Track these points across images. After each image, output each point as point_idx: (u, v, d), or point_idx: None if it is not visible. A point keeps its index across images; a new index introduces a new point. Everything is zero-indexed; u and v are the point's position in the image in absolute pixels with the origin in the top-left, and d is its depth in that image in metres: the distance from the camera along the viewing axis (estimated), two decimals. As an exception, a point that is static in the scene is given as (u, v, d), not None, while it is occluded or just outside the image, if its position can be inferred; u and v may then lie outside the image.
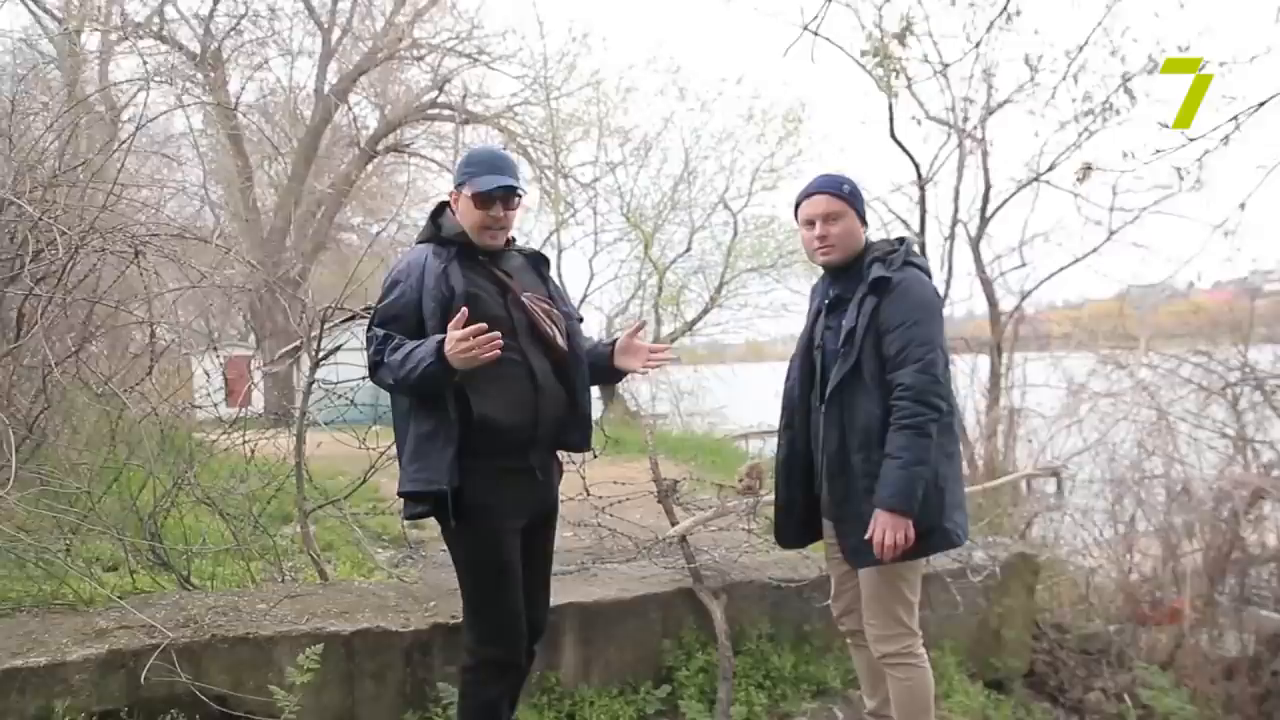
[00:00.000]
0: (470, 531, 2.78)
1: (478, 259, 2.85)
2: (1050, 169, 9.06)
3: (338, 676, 3.40)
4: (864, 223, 3.15)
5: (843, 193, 3.08)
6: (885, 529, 2.86)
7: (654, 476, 4.27)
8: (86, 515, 3.78)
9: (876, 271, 2.98)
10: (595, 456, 3.50)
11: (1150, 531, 5.44)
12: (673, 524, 4.21)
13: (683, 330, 18.71)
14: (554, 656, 3.79)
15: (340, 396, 4.21)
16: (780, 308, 18.61)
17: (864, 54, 6.82)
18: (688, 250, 18.59)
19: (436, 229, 2.87)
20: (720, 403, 18.35)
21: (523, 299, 2.84)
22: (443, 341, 2.52)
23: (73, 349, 4.03)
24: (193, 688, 3.11)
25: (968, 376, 8.23)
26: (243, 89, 18.99)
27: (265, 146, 19.95)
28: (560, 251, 18.67)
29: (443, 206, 2.95)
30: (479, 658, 2.86)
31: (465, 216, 2.87)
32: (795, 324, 19.66)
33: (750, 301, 18.91)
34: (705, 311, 18.68)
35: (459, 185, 2.88)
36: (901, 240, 3.14)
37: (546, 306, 2.89)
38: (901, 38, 6.55)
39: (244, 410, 4.31)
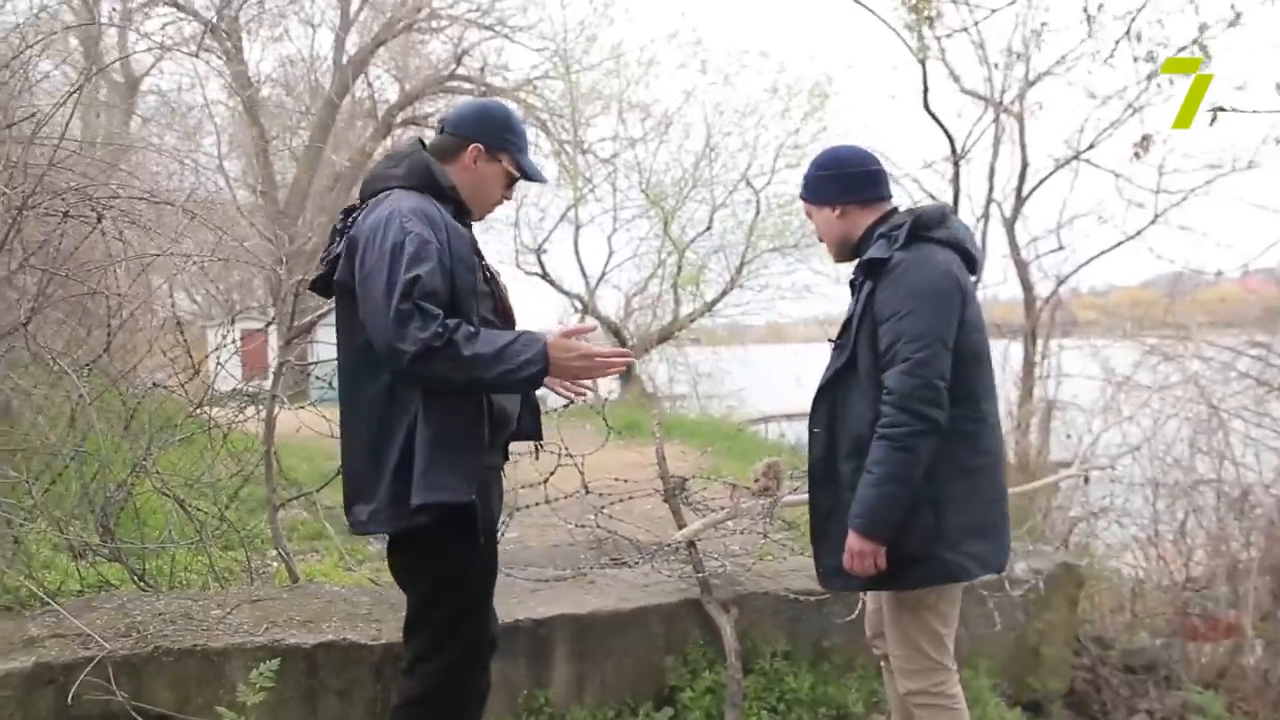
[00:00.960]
0: (466, 545, 2.36)
1: (463, 223, 2.42)
2: (1091, 147, 8.57)
3: (298, 694, 3.03)
4: (843, 202, 2.72)
5: (800, 193, 2.80)
6: (849, 552, 2.50)
7: (660, 473, 3.84)
8: (32, 506, 3.41)
9: (873, 251, 2.58)
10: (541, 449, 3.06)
11: (1203, 539, 4.97)
12: (679, 526, 3.79)
13: (702, 310, 18.20)
14: (544, 673, 3.40)
15: (318, 378, 3.83)
16: (803, 289, 18.09)
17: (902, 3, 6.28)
18: (708, 229, 18.01)
19: (433, 177, 2.37)
20: (739, 386, 17.88)
21: (491, 269, 2.44)
22: (546, 343, 2.19)
23: (22, 320, 3.64)
24: (130, 707, 2.76)
25: (999, 365, 7.76)
26: (261, 59, 18.65)
27: (284, 118, 19.58)
28: (578, 228, 18.24)
29: (421, 143, 2.49)
30: (446, 688, 2.44)
31: (479, 182, 2.45)
32: (818, 306, 19.21)
33: (772, 282, 18.34)
34: (726, 292, 18.13)
35: (495, 147, 2.45)
36: (914, 211, 2.66)
37: (497, 274, 2.50)
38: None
39: (211, 390, 3.91)
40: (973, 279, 2.69)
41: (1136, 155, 5.91)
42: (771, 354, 19.85)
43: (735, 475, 8.06)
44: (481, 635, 2.48)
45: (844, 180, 2.73)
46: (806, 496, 3.80)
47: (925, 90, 7.42)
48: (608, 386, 18.00)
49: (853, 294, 2.70)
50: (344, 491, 2.39)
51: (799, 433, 14.73)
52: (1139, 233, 7.72)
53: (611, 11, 17.40)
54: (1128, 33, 5.55)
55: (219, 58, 16.91)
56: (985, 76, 7.98)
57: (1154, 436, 5.24)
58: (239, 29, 17.54)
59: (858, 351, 2.55)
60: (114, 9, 15.16)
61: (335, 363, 2.44)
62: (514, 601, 3.54)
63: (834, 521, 2.62)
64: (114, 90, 16.93)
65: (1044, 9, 8.23)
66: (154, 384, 3.88)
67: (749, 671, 3.59)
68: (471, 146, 2.43)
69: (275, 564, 4.09)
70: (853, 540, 2.47)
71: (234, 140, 18.12)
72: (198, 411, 3.87)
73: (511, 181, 2.50)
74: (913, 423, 2.38)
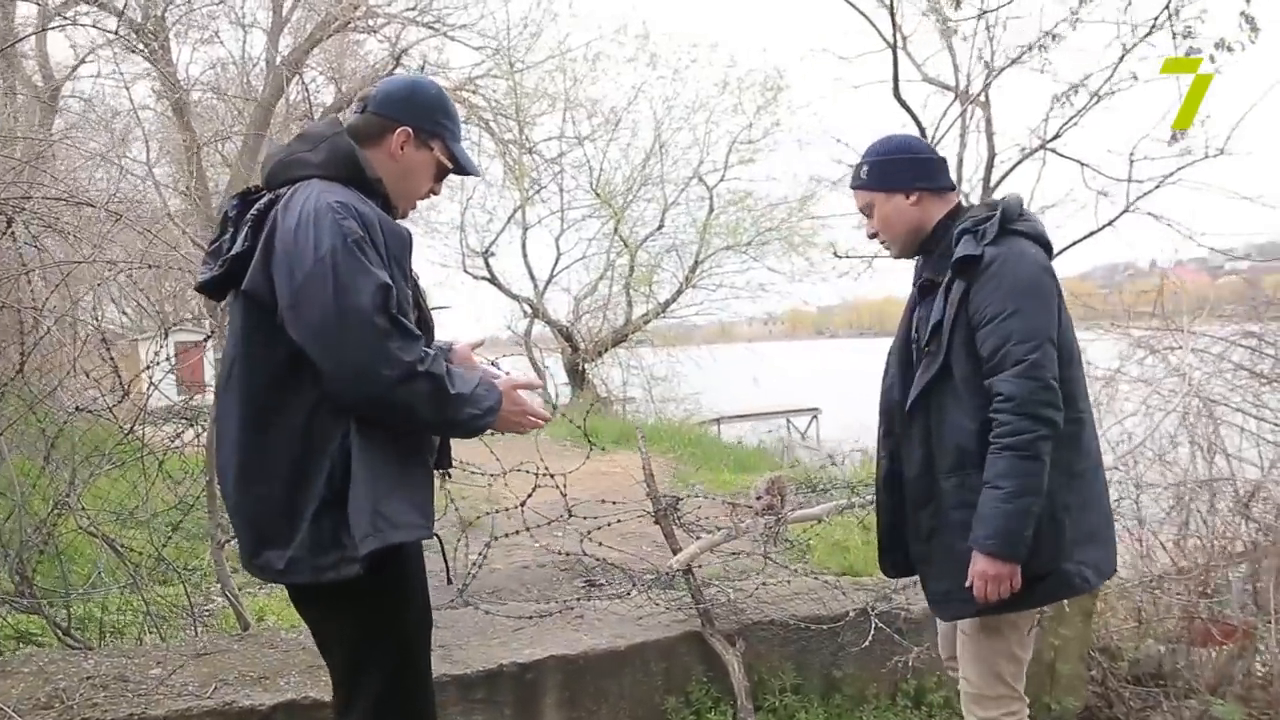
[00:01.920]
0: (409, 584, 2.05)
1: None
2: (1056, 136, 8.42)
3: (257, 765, 2.62)
4: (919, 188, 2.48)
5: (862, 180, 2.54)
6: (983, 577, 2.26)
7: (649, 492, 3.50)
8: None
9: (963, 249, 2.34)
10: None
11: (1210, 539, 4.76)
12: (673, 550, 3.45)
13: (656, 312, 17.79)
14: (533, 723, 3.03)
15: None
16: (757, 288, 17.81)
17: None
18: (660, 227, 17.62)
19: (358, 167, 2.00)
20: (695, 389, 17.58)
21: (415, 278, 2.12)
22: (500, 392, 2.00)
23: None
24: (53, 796, 2.34)
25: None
26: (190, 62, 17.91)
27: (215, 123, 18.82)
28: (526, 230, 17.72)
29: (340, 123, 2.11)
30: None
31: (405, 171, 2.10)
32: (772, 304, 19.08)
33: (726, 281, 18.02)
34: (679, 292, 17.75)
35: (427, 132, 2.10)
36: (997, 204, 2.41)
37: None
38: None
39: (143, 411, 3.46)
40: None
41: (1175, 138, 5.77)
42: (722, 353, 19.65)
43: (707, 484, 7.76)
44: (428, 701, 2.11)
45: (919, 165, 2.51)
46: (817, 510, 3.55)
47: (895, 78, 7.15)
48: (556, 392, 17.66)
49: (924, 296, 2.48)
50: (242, 534, 1.99)
51: (761, 435, 14.55)
52: (1111, 222, 7.53)
53: (555, 7, 16.93)
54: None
55: (145, 59, 16.19)
56: (952, 65, 7.73)
57: (1152, 434, 5.02)
58: (165, 29, 16.80)
59: (951, 359, 2.34)
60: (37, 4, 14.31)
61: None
62: (496, 643, 3.17)
63: (937, 543, 2.43)
64: (34, 96, 16.12)
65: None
66: (77, 408, 3.42)
67: (757, 708, 3.25)
68: (399, 130, 2.07)
69: (220, 601, 3.65)
70: (985, 565, 2.26)
71: (164, 145, 17.36)
72: (129, 437, 3.43)
73: (442, 173, 2.16)
74: (1036, 427, 2.21)
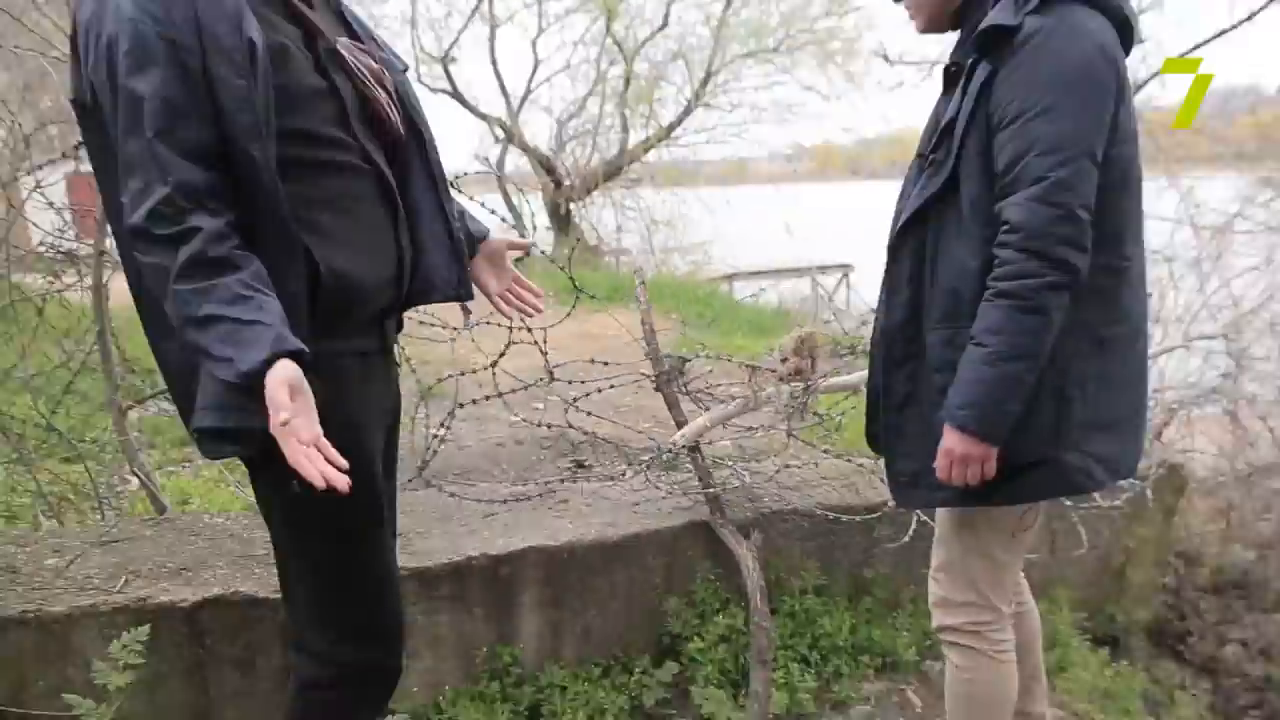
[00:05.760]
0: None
1: None
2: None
3: (180, 668, 2.74)
4: None
5: None
6: (948, 455, 2.17)
7: (649, 352, 3.48)
8: None
9: (996, 15, 2.12)
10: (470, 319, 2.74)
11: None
12: (678, 424, 3.47)
13: (659, 138, 17.43)
14: (508, 625, 3.14)
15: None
16: (785, 109, 17.41)
17: None
18: (664, 27, 17.01)
19: None
20: (703, 236, 17.44)
21: (339, 50, 1.91)
22: (275, 355, 1.62)
23: None
24: (-60, 698, 2.42)
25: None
26: None
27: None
28: (494, 29, 17.04)
29: None
30: (337, 668, 2.10)
31: None
32: (800, 133, 18.67)
33: (745, 100, 17.60)
34: (687, 113, 17.38)
35: None
36: None
37: (372, 64, 1.97)
38: None
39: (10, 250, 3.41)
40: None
41: None
42: (737, 195, 19.37)
43: (714, 349, 7.81)
44: (385, 598, 2.12)
45: None
46: (854, 378, 3.55)
47: None
48: (538, 237, 17.49)
49: (947, 88, 2.31)
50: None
51: (782, 295, 14.53)
52: (1251, 16, 7.20)
53: None
54: None
55: None
56: None
57: (1271, 299, 5.00)
58: None
59: (960, 171, 2.15)
60: None
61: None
62: (463, 531, 3.24)
63: (911, 412, 2.34)
64: None
65: None
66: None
67: (773, 612, 3.36)
68: None
69: (135, 482, 3.70)
70: (954, 440, 2.15)
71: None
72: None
73: None
74: (1046, 271, 2.01)
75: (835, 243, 19.39)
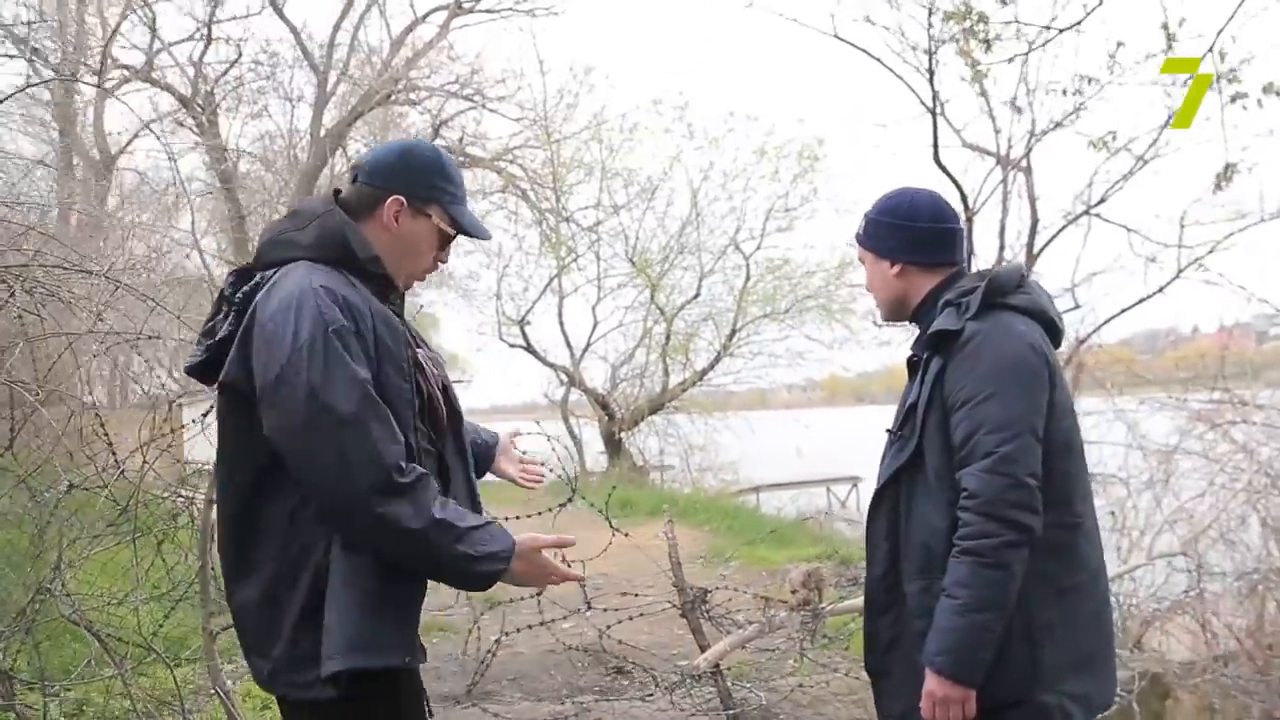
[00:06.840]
0: (397, 710, 1.81)
1: (388, 300, 1.89)
2: (1102, 200, 8.22)
3: None
4: (903, 260, 2.25)
5: (859, 233, 2.34)
6: (930, 698, 2.01)
7: (675, 582, 3.22)
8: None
9: (941, 322, 2.11)
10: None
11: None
12: (701, 647, 3.15)
13: (693, 380, 17.60)
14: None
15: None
16: (795, 355, 17.62)
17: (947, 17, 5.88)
18: (696, 296, 17.50)
19: (349, 248, 1.82)
20: (732, 457, 17.25)
21: (422, 362, 1.91)
22: (515, 545, 1.76)
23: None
24: None
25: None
26: (240, 135, 18.30)
27: (262, 193, 19.19)
28: (562, 299, 17.72)
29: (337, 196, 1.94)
30: None
31: (402, 243, 1.91)
32: (810, 371, 18.77)
33: (764, 349, 17.83)
34: (716, 360, 17.57)
35: (421, 199, 1.90)
36: (987, 274, 2.18)
37: (435, 371, 1.98)
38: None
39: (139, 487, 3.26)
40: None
41: (1219, 187, 5.56)
42: (759, 420, 19.30)
43: (743, 559, 7.41)
44: None
45: (910, 235, 2.24)
46: (859, 602, 3.23)
47: (935, 144, 7.00)
48: (594, 460, 17.40)
49: (912, 375, 2.23)
50: (238, 634, 1.84)
51: (801, 506, 14.14)
52: (1161, 289, 7.28)
53: (592, 78, 16.95)
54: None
55: (194, 133, 16.58)
56: (993, 129, 7.58)
57: (1220, 516, 4.64)
58: (214, 103, 17.24)
59: (924, 445, 2.09)
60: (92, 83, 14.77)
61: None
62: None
63: (897, 655, 2.18)
64: (90, 168, 16.59)
65: (1053, 56, 7.78)
66: (70, 485, 3.24)
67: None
68: (391, 199, 1.88)
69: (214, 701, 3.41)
70: (935, 685, 1.99)
71: (213, 215, 17.74)
72: (120, 517, 3.24)
73: (445, 240, 1.96)
74: (1003, 530, 1.93)
75: (844, 457, 19.10)
